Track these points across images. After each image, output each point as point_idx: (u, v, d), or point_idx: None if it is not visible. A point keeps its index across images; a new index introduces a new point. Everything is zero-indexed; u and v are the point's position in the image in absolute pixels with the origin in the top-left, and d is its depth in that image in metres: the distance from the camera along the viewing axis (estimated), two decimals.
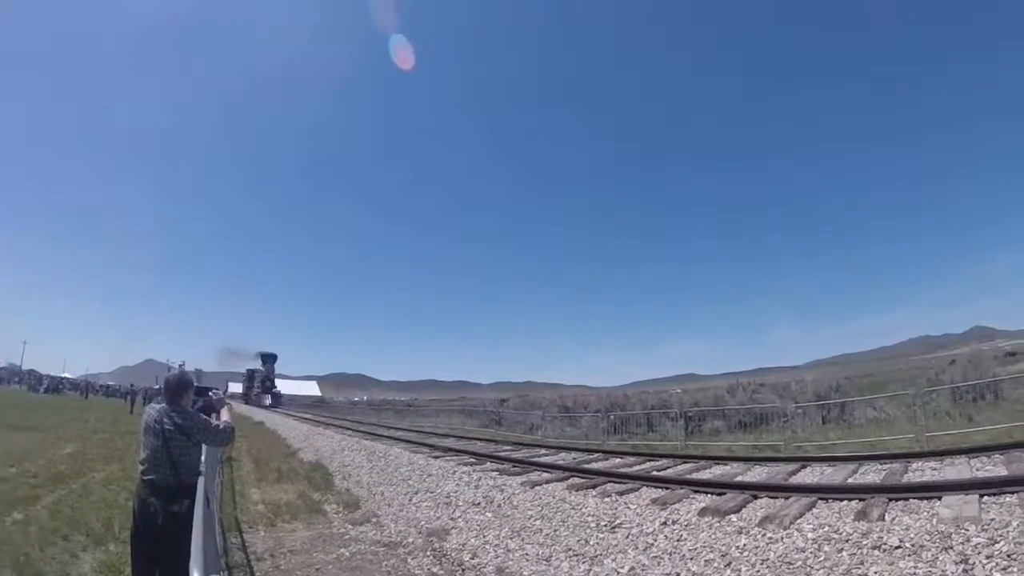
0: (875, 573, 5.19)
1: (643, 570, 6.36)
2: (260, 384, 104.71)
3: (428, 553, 8.10)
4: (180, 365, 58.12)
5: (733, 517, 7.40)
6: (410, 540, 8.82)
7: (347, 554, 8.19)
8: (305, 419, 40.48)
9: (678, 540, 6.88)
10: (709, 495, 8.79)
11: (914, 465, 9.99)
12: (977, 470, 8.99)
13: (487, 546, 8.01)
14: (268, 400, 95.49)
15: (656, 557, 6.59)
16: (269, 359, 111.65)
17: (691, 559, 6.33)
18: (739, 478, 10.39)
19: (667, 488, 9.56)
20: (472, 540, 8.34)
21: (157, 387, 44.04)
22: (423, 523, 9.59)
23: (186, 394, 5.60)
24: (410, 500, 11.15)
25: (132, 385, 77.95)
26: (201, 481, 5.18)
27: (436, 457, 14.80)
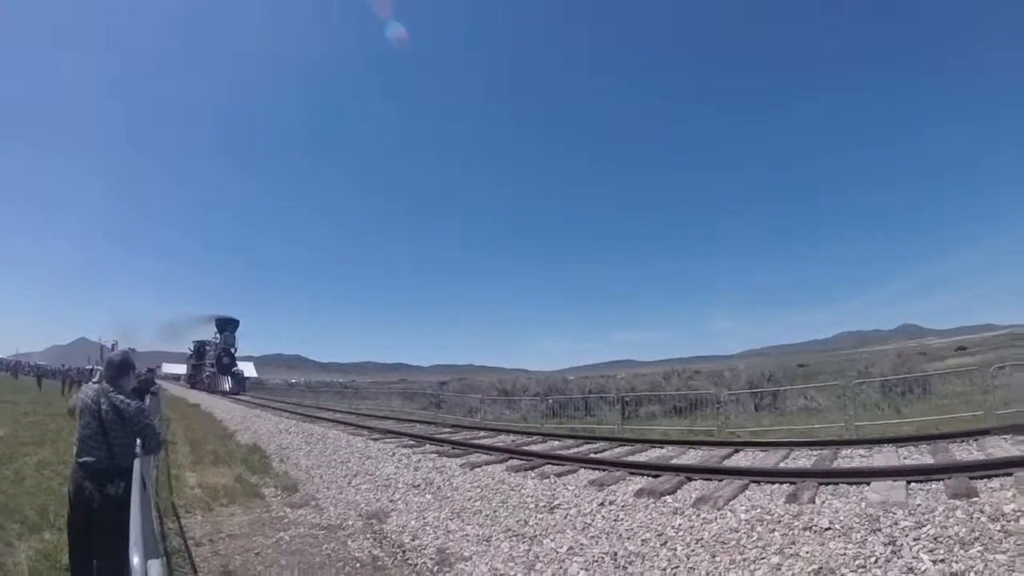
0: (806, 552, 5.34)
1: (581, 549, 6.43)
2: (215, 362, 69.90)
3: (368, 535, 8.07)
4: (114, 344, 56.32)
5: (669, 498, 7.53)
6: (350, 523, 8.76)
7: (287, 538, 8.10)
8: (241, 401, 39.70)
9: (615, 520, 6.98)
10: (645, 477, 8.93)
11: (844, 452, 10.29)
12: (905, 458, 9.31)
13: (427, 528, 8.01)
14: (228, 384, 66.25)
15: (594, 537, 6.68)
16: (228, 326, 75.38)
17: (628, 538, 6.43)
18: (674, 461, 10.57)
19: (604, 470, 9.69)
20: (412, 522, 8.32)
21: (89, 367, 42.72)
22: (363, 506, 9.53)
23: (128, 375, 5.51)
24: (349, 483, 11.05)
25: (63, 365, 75.14)
26: (137, 464, 5.06)
27: (375, 439, 14.69)
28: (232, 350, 71.94)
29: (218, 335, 74.05)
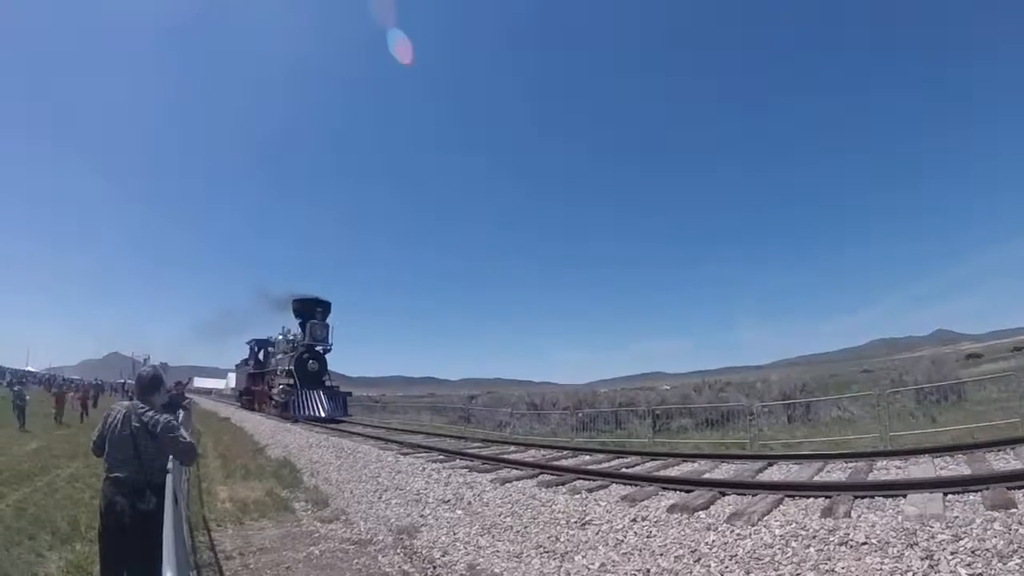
0: (842, 568, 5.24)
1: (613, 566, 6.37)
2: (294, 368, 39.10)
3: (399, 551, 8.07)
4: (146, 359, 57.16)
5: (702, 513, 7.45)
6: (380, 538, 8.78)
7: (317, 552, 8.13)
8: (273, 415, 40.03)
9: (648, 536, 6.91)
10: (678, 492, 8.85)
11: (879, 464, 10.14)
12: (941, 469, 9.14)
13: (458, 543, 7.98)
14: (321, 404, 37.34)
15: (626, 553, 6.61)
16: (315, 311, 42.86)
17: (661, 555, 6.36)
18: (707, 475, 10.47)
19: (636, 485, 9.62)
20: (443, 537, 8.30)
21: (121, 381, 45.27)
22: (393, 521, 9.54)
23: (157, 392, 5.60)
24: (379, 497, 11.08)
25: (96, 379, 76.12)
26: (169, 479, 5.13)
27: (405, 454, 14.71)
28: (321, 349, 41.00)
29: (298, 327, 42.36)
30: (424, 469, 12.29)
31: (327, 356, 40.81)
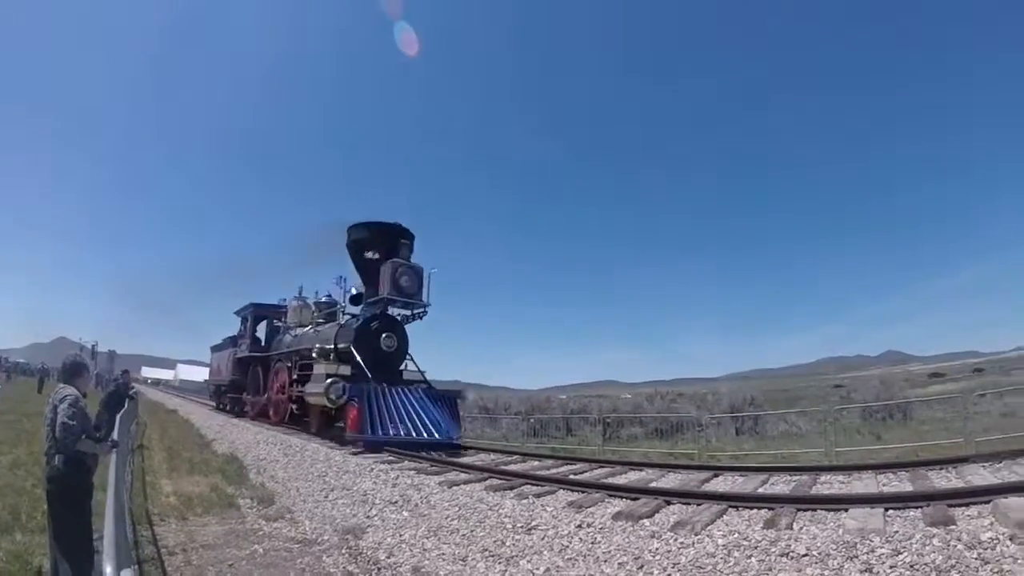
0: None
1: (558, 571, 6.38)
2: (354, 343, 18.52)
3: (343, 551, 7.98)
4: (94, 346, 56.20)
5: (647, 521, 7.48)
6: (325, 538, 8.67)
7: (261, 550, 8.01)
8: (221, 410, 38.93)
9: (592, 543, 6.93)
10: (624, 499, 8.89)
11: (823, 478, 10.30)
12: (883, 485, 9.31)
13: (403, 545, 7.92)
14: (424, 416, 16.91)
15: (571, 559, 6.62)
16: (401, 240, 19.55)
17: (605, 561, 6.39)
18: (653, 484, 10.52)
19: (583, 491, 9.62)
20: (388, 539, 8.23)
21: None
22: (339, 520, 9.43)
23: (80, 377, 5.88)
24: (326, 497, 10.93)
25: (43, 364, 74.05)
26: (112, 470, 5.18)
27: (354, 454, 14.48)
28: (406, 314, 20.54)
29: (358, 277, 21.05)
30: (372, 470, 12.13)
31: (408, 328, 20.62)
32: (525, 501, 8.95)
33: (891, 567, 5.13)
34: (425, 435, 16.37)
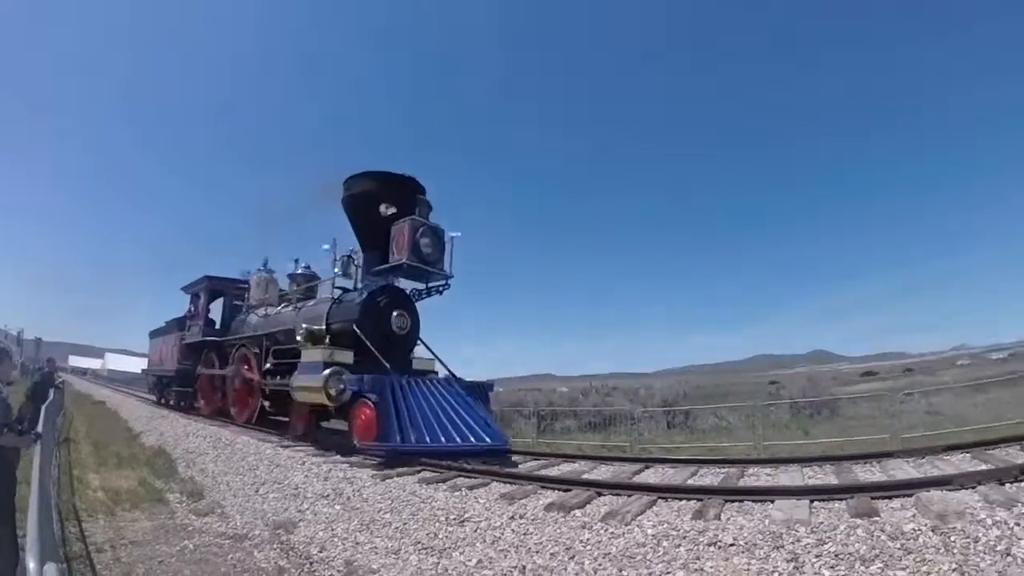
0: (711, 568, 5.44)
1: (490, 563, 6.41)
2: (357, 320, 14.45)
3: (275, 546, 7.88)
4: (19, 333, 54.17)
5: (578, 512, 7.57)
6: (256, 532, 8.54)
7: (191, 546, 7.85)
8: (148, 400, 37.76)
9: (524, 534, 6.97)
10: (556, 491, 8.96)
11: (751, 470, 10.56)
12: (809, 478, 9.57)
13: (335, 539, 7.84)
14: (461, 419, 12.78)
15: (503, 550, 6.66)
16: (417, 195, 15.57)
17: (536, 552, 6.44)
18: (586, 475, 10.65)
19: (516, 483, 9.69)
20: (320, 533, 8.14)
21: None
22: (270, 515, 9.29)
23: (2, 364, 5.73)
24: (256, 491, 10.72)
25: None
26: (36, 464, 5.05)
27: (285, 447, 14.10)
28: (419, 287, 16.63)
29: (357, 240, 16.50)
30: (304, 463, 11.89)
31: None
32: (458, 493, 8.92)
33: (816, 556, 5.29)
34: (473, 439, 12.30)
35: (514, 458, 13.14)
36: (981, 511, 5.65)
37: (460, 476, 10.59)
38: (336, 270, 16.08)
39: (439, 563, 6.65)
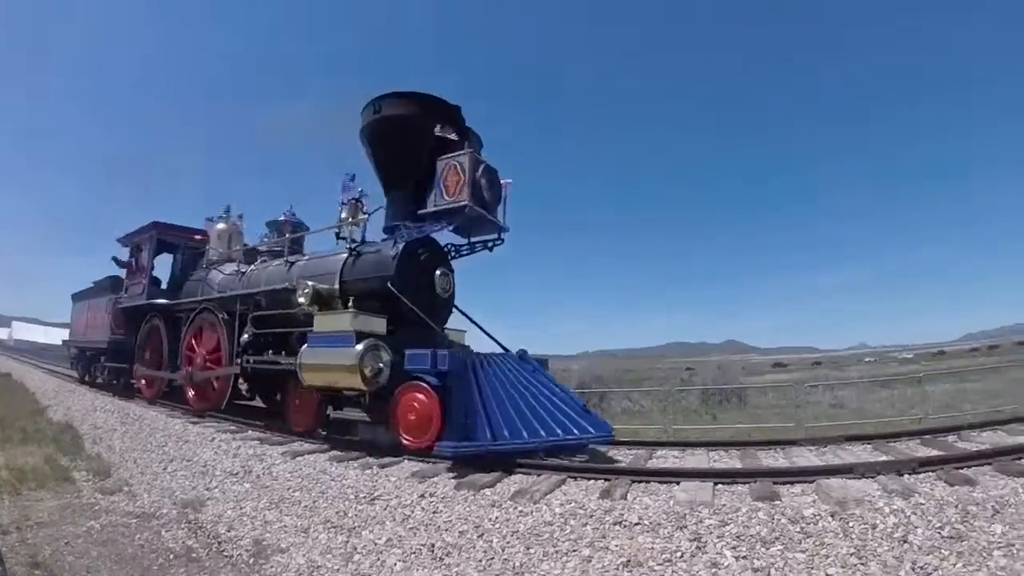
0: (616, 546, 5.64)
1: (400, 541, 6.49)
2: (395, 278, 10.69)
3: (183, 525, 7.76)
4: None
5: (487, 491, 7.69)
6: (164, 511, 8.37)
7: (98, 526, 7.64)
8: (56, 372, 36.08)
9: (434, 512, 7.07)
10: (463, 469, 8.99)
11: (659, 453, 10.86)
12: (715, 461, 9.88)
13: (244, 518, 7.79)
14: (555, 404, 10.11)
15: (413, 528, 6.74)
16: (471, 133, 11.53)
17: (446, 530, 6.55)
18: None
19: (428, 462, 9.60)
20: (229, 511, 8.06)
21: None
22: (178, 493, 9.14)
23: None
24: (165, 468, 10.50)
25: None
26: None
27: (194, 422, 13.75)
28: (463, 243, 12.64)
29: (381, 181, 12.23)
30: (213, 440, 11.62)
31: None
32: (369, 471, 8.92)
33: (718, 537, 5.54)
34: (576, 431, 9.78)
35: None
36: (880, 499, 5.97)
37: (371, 455, 10.07)
38: (342, 215, 12.14)
39: (348, 541, 6.68)
